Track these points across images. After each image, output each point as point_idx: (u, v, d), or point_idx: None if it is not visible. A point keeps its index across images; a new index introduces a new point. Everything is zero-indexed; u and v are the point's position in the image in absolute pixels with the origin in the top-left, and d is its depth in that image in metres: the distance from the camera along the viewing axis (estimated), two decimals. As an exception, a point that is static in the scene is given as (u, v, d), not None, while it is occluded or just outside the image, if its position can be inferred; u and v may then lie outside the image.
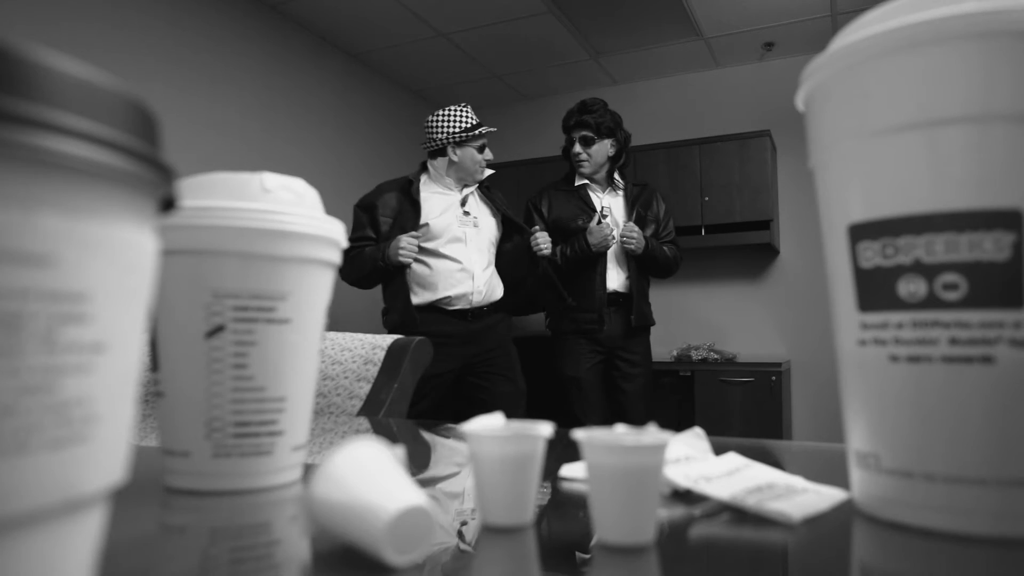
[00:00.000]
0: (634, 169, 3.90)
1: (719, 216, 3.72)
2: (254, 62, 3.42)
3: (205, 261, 0.46)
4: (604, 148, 2.44)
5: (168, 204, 0.23)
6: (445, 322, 2.20)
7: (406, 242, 2.13)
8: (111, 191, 0.19)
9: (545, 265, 2.33)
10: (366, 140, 4.13)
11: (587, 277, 2.39)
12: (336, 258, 0.52)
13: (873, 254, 0.38)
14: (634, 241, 2.37)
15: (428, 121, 2.33)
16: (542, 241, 2.28)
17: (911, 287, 0.37)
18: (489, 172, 2.37)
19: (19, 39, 0.16)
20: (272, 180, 0.49)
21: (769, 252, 3.91)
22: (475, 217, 2.32)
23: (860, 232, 0.39)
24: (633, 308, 2.43)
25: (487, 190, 2.41)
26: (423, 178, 2.33)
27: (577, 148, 2.44)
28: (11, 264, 0.16)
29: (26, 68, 0.16)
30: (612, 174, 2.50)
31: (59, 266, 0.17)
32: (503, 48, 3.95)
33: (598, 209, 2.43)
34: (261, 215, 0.46)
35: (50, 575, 0.18)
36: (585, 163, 2.44)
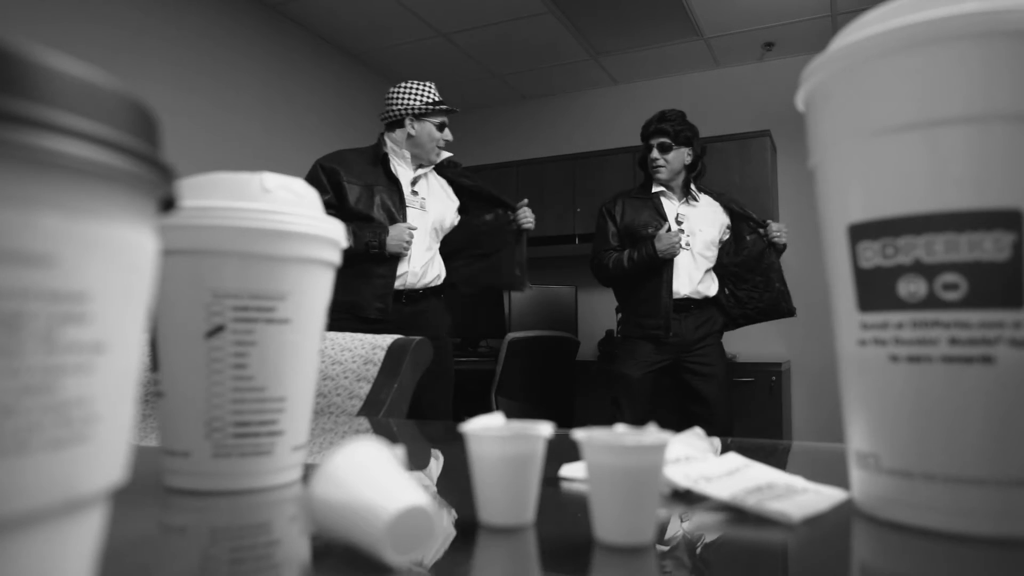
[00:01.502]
0: (634, 169, 3.90)
1: (719, 216, 3.72)
2: (254, 62, 3.42)
3: (205, 261, 0.46)
4: (681, 156, 2.50)
5: (168, 204, 0.23)
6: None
7: (410, 236, 2.11)
8: (111, 191, 0.19)
9: (524, 240, 2.34)
10: (366, 140, 4.12)
11: (654, 284, 2.44)
12: (336, 258, 0.52)
13: (873, 254, 0.38)
14: (784, 235, 2.47)
15: (391, 92, 2.29)
16: (523, 216, 2.31)
17: (911, 287, 0.37)
18: (446, 155, 2.33)
19: (19, 39, 0.16)
20: (272, 180, 0.49)
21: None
22: (423, 199, 2.28)
23: (860, 232, 0.39)
24: (773, 304, 2.50)
25: (449, 169, 2.36)
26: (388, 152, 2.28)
27: (655, 154, 2.49)
28: (11, 264, 0.16)
29: (26, 68, 0.16)
30: (688, 184, 2.55)
31: (59, 266, 0.17)
32: (503, 48, 3.95)
33: (671, 218, 2.49)
34: (261, 215, 0.46)
35: (50, 575, 0.18)
36: (662, 169, 2.48)
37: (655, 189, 2.54)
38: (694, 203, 2.56)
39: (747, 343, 3.92)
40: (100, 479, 0.19)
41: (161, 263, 0.45)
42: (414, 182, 2.28)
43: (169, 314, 0.47)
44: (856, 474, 0.41)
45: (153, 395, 0.50)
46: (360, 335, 1.25)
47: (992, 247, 0.34)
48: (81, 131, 0.17)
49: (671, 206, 2.53)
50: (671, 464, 0.47)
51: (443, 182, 2.38)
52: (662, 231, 2.40)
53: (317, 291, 0.50)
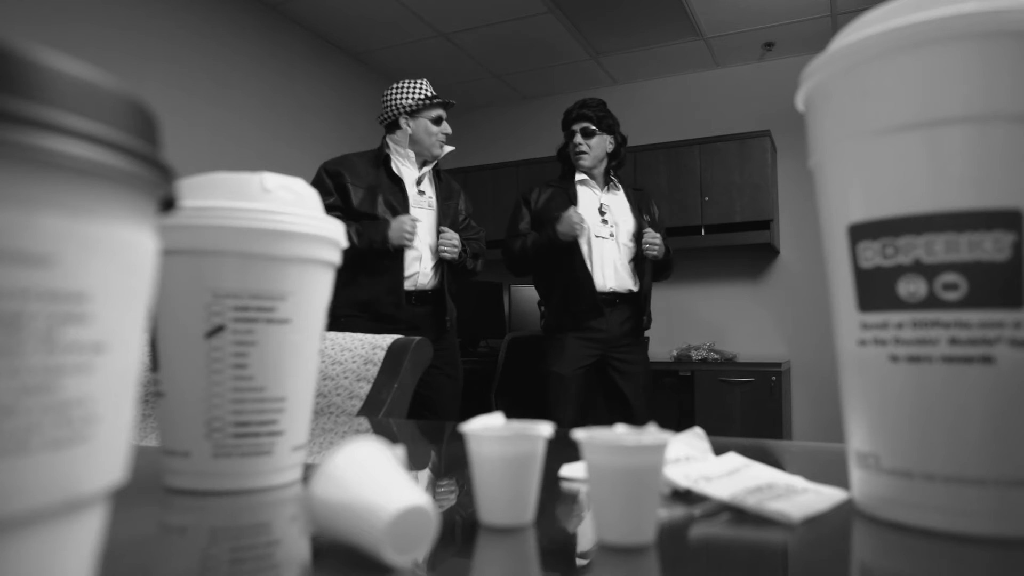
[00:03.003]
0: (634, 169, 3.90)
1: (719, 216, 3.72)
2: (254, 62, 3.42)
3: (205, 261, 0.46)
4: (603, 143, 2.45)
5: (168, 204, 0.23)
6: (385, 304, 2.15)
7: (412, 225, 2.10)
8: (111, 191, 0.19)
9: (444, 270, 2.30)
10: (366, 140, 4.13)
11: (570, 269, 2.35)
12: (336, 258, 0.52)
13: (873, 254, 0.38)
14: (657, 247, 2.39)
15: (384, 94, 2.30)
16: (440, 243, 2.23)
17: (911, 287, 0.37)
18: (449, 149, 2.31)
19: (19, 39, 0.16)
20: (272, 180, 0.49)
21: (769, 252, 3.91)
22: (430, 197, 2.28)
23: (860, 232, 0.39)
24: (644, 310, 2.44)
25: (439, 179, 2.36)
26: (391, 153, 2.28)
27: (578, 139, 2.43)
28: (11, 264, 0.16)
29: (26, 68, 0.16)
30: (609, 173, 2.49)
31: (59, 266, 0.17)
32: (503, 48, 3.95)
33: (594, 208, 2.42)
34: (261, 215, 0.46)
35: (50, 575, 0.18)
36: (585, 155, 2.42)
37: (578, 178, 2.47)
38: (616, 192, 2.50)
39: (747, 343, 3.92)
40: (100, 479, 0.19)
41: (161, 263, 0.45)
42: (419, 181, 2.28)
43: (169, 314, 0.47)
44: (856, 474, 0.41)
45: (153, 395, 0.50)
46: (360, 335, 1.25)
47: (992, 247, 0.34)
48: (81, 131, 0.17)
49: (593, 196, 2.46)
50: (671, 464, 0.47)
51: (447, 183, 2.38)
52: (565, 212, 2.31)
53: (317, 291, 0.50)
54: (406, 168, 2.28)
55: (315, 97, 3.77)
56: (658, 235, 2.41)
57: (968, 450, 0.35)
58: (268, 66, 3.49)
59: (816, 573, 0.34)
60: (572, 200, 2.41)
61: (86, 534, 0.20)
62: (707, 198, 3.75)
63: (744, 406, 3.42)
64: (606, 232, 2.41)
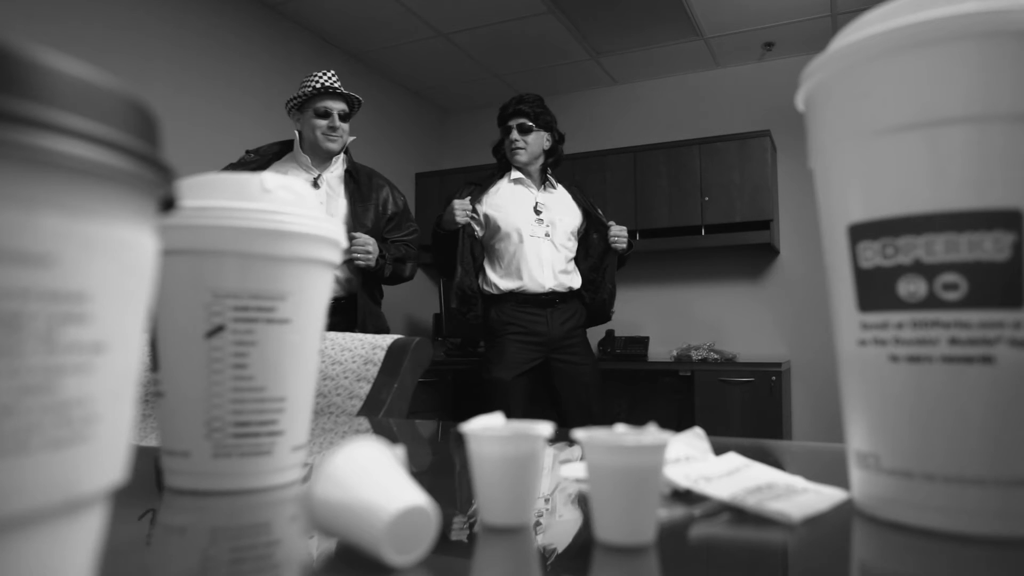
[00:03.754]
0: (634, 169, 3.91)
1: (719, 216, 3.72)
2: (254, 62, 3.42)
3: (205, 261, 0.46)
4: (540, 139, 2.41)
5: (168, 204, 0.23)
6: None
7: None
8: (111, 191, 0.19)
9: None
10: (366, 140, 4.13)
11: (500, 275, 2.33)
12: (336, 258, 0.52)
13: (873, 254, 0.38)
14: (624, 239, 2.37)
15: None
16: (358, 250, 2.10)
17: (911, 287, 0.37)
18: (346, 140, 2.13)
19: (19, 39, 0.16)
20: (272, 180, 0.49)
21: (769, 252, 3.91)
22: (321, 204, 2.17)
23: (860, 232, 0.39)
24: (600, 306, 2.41)
25: (353, 178, 2.18)
26: (275, 164, 2.13)
27: (514, 135, 2.38)
28: (11, 264, 0.16)
29: (26, 68, 0.16)
30: (546, 171, 2.45)
31: (59, 266, 0.17)
32: (503, 48, 3.95)
33: (529, 208, 2.38)
34: (261, 215, 0.46)
35: (50, 575, 0.18)
36: (521, 151, 2.37)
37: (513, 176, 2.43)
38: (552, 190, 2.46)
39: (747, 343, 3.92)
40: (100, 479, 0.19)
41: (161, 263, 0.45)
42: (316, 184, 2.12)
43: (169, 314, 0.47)
44: (856, 474, 0.41)
45: (153, 395, 0.50)
46: (360, 335, 1.25)
47: (992, 247, 0.34)
48: (81, 131, 0.17)
49: (528, 194, 2.42)
50: (671, 464, 0.47)
51: (367, 183, 2.20)
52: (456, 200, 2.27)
53: (317, 291, 0.50)
54: (303, 173, 2.10)
55: (315, 97, 3.76)
56: (623, 228, 2.40)
57: (968, 450, 0.35)
58: (268, 66, 3.49)
59: (816, 573, 0.34)
60: (485, 191, 2.38)
61: (86, 534, 0.20)
62: (707, 198, 3.75)
63: (744, 406, 3.41)
64: (541, 232, 2.36)
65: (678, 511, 0.42)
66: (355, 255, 2.06)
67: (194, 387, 0.46)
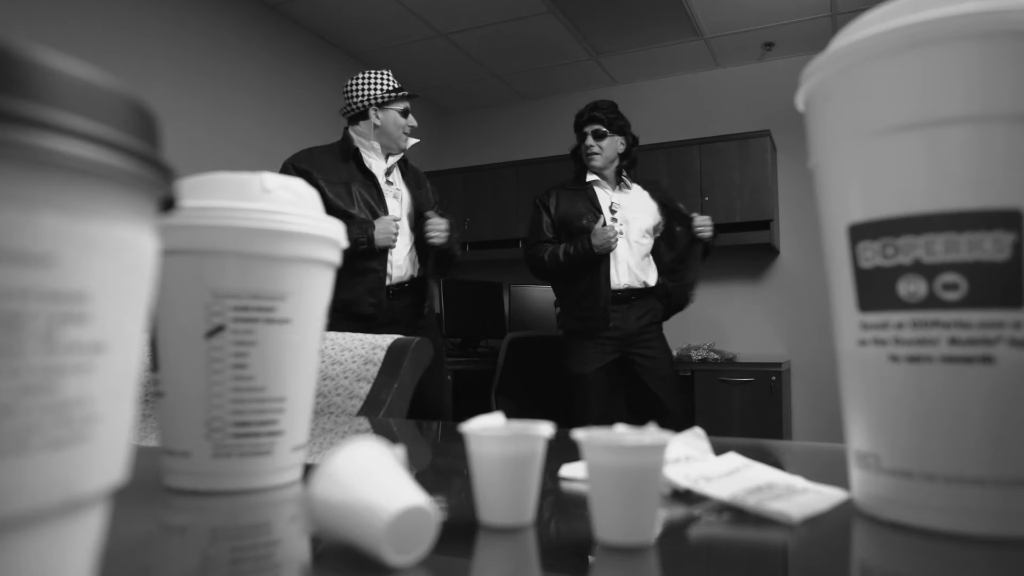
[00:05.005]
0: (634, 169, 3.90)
1: (719, 216, 3.70)
2: (254, 62, 3.42)
3: (205, 261, 0.46)
4: (615, 144, 2.50)
5: (168, 204, 0.23)
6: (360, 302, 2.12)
7: (396, 227, 2.08)
8: (111, 191, 0.19)
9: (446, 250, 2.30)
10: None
11: (593, 276, 2.41)
12: (336, 258, 0.52)
13: (873, 254, 0.38)
14: (709, 228, 2.46)
15: (347, 85, 2.25)
16: (434, 230, 2.20)
17: (911, 287, 0.37)
18: (413, 141, 2.29)
19: (19, 39, 0.16)
20: (272, 180, 0.49)
21: (769, 252, 3.91)
22: (398, 189, 2.25)
23: (860, 232, 0.39)
24: (682, 291, 2.50)
25: (406, 168, 2.33)
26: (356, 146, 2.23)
27: (589, 141, 2.48)
28: (11, 264, 0.16)
29: (26, 68, 0.16)
30: (620, 172, 2.54)
31: (59, 266, 0.17)
32: (503, 48, 3.95)
33: (605, 208, 2.46)
34: (261, 215, 0.46)
35: (50, 575, 0.18)
36: (597, 156, 2.47)
37: (589, 179, 2.51)
38: (627, 191, 2.54)
39: (747, 343, 3.92)
40: (100, 479, 0.19)
41: (161, 263, 0.45)
42: (388, 172, 2.25)
43: (169, 314, 0.47)
44: (856, 474, 0.41)
45: (153, 395, 0.50)
46: (360, 335, 1.25)
47: (992, 247, 0.34)
48: (81, 131, 0.17)
49: (604, 195, 2.50)
50: (671, 464, 0.47)
51: (415, 172, 2.35)
52: (597, 225, 2.37)
53: (317, 291, 0.50)
54: (375, 161, 2.24)
55: (315, 97, 3.77)
56: (707, 217, 2.49)
57: (968, 450, 0.35)
58: (268, 66, 3.49)
59: (816, 573, 0.34)
60: (594, 203, 2.47)
61: (86, 534, 0.20)
62: (707, 198, 3.74)
63: (744, 406, 3.41)
64: (617, 230, 2.44)
65: (678, 511, 0.42)
66: (432, 234, 2.18)
67: (194, 387, 0.46)
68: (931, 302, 0.36)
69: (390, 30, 3.73)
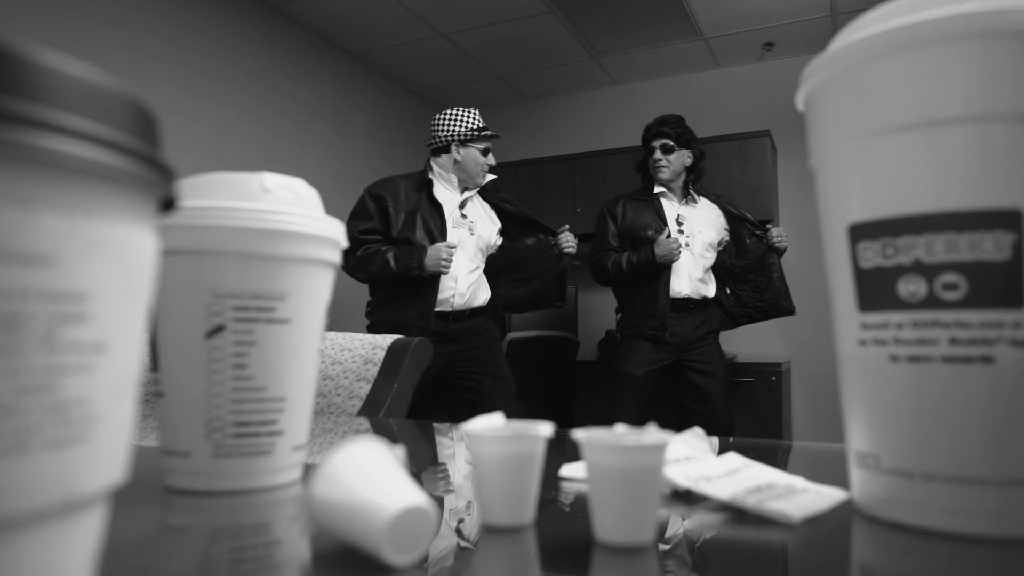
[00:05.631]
0: (634, 169, 3.90)
1: (719, 216, 3.72)
2: (254, 62, 3.42)
3: (205, 261, 0.46)
4: (682, 157, 2.58)
5: (168, 204, 0.23)
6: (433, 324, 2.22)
7: (447, 253, 2.15)
8: (111, 191, 0.19)
9: (566, 263, 2.44)
10: (366, 140, 4.13)
11: (653, 286, 2.49)
12: (336, 258, 0.52)
13: (873, 254, 0.38)
14: (786, 239, 2.55)
15: (436, 119, 2.37)
16: (565, 240, 2.40)
17: (911, 287, 0.37)
18: (491, 177, 2.41)
19: (19, 39, 0.16)
20: (272, 180, 0.49)
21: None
22: (471, 222, 2.34)
23: (860, 232, 0.39)
24: (773, 303, 2.58)
25: (493, 193, 2.45)
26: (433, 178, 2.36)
27: (658, 155, 2.56)
28: (11, 264, 0.16)
29: (26, 68, 0.16)
30: (687, 186, 2.62)
31: (59, 266, 0.17)
32: (503, 48, 3.95)
33: (671, 220, 2.53)
34: (261, 215, 0.46)
35: (50, 575, 0.18)
36: (665, 169, 2.54)
37: (657, 190, 2.59)
38: (693, 204, 2.62)
39: (747, 343, 3.92)
40: (100, 479, 0.19)
41: (161, 263, 0.45)
42: (462, 205, 2.35)
43: (169, 314, 0.47)
44: (856, 474, 0.41)
45: (153, 395, 0.50)
46: (360, 335, 1.25)
47: (992, 247, 0.34)
48: (81, 131, 0.17)
49: (671, 207, 2.58)
50: (671, 464, 0.47)
51: (487, 205, 2.45)
52: (661, 237, 2.45)
53: (317, 291, 0.50)
54: (448, 192, 2.34)
55: (315, 97, 3.77)
56: (781, 228, 2.59)
57: (968, 450, 0.35)
58: (268, 66, 3.49)
59: (816, 573, 0.34)
60: (660, 214, 2.55)
61: (86, 534, 0.20)
62: (707, 198, 3.74)
63: (744, 406, 3.41)
64: (682, 241, 2.51)
65: (678, 511, 0.42)
66: (567, 245, 2.40)
67: (194, 387, 0.46)
68: (931, 302, 0.36)
69: (390, 30, 3.73)
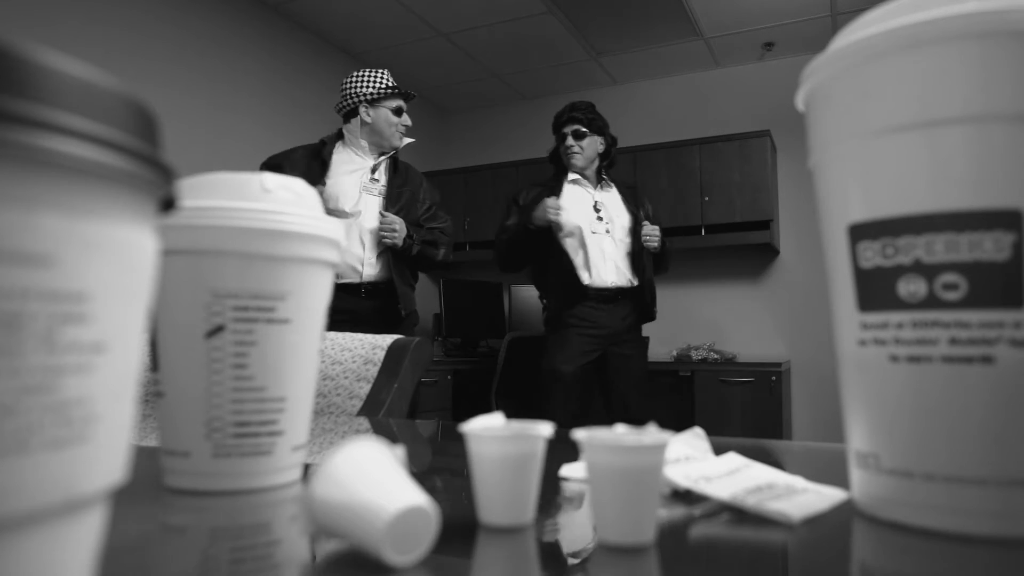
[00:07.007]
0: (634, 169, 3.90)
1: (719, 216, 3.72)
2: (254, 62, 3.42)
3: (205, 261, 0.46)
4: (595, 144, 2.51)
5: (168, 204, 0.23)
6: (337, 298, 2.12)
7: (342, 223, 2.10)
8: (111, 191, 0.19)
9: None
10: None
11: (567, 271, 2.40)
12: (336, 258, 0.52)
13: (873, 254, 0.38)
14: (656, 239, 2.45)
15: (342, 84, 2.28)
16: (386, 229, 2.19)
17: (911, 287, 0.37)
18: (408, 140, 2.31)
19: (19, 39, 0.16)
20: (272, 180, 0.49)
21: (769, 252, 3.91)
22: (382, 185, 2.25)
23: (860, 232, 0.39)
24: (648, 304, 2.49)
25: (396, 168, 2.32)
26: (338, 144, 2.27)
27: (570, 140, 2.49)
28: (11, 264, 0.16)
29: (26, 68, 0.16)
30: (601, 172, 2.56)
31: (59, 266, 0.17)
32: (503, 48, 3.95)
33: (588, 207, 2.47)
34: (261, 215, 0.46)
35: (50, 575, 0.18)
36: (577, 155, 2.48)
37: (570, 178, 2.52)
38: (608, 189, 2.55)
39: (747, 343, 3.92)
40: (100, 479, 0.19)
41: (161, 263, 0.45)
42: (374, 169, 2.26)
43: (169, 314, 0.47)
44: (856, 474, 0.41)
45: (153, 395, 0.50)
46: (360, 335, 1.25)
47: (992, 247, 0.34)
48: (81, 131, 0.17)
49: (587, 194, 2.51)
50: (671, 464, 0.47)
51: (406, 173, 2.34)
52: (543, 200, 2.35)
53: (317, 291, 0.50)
54: (352, 155, 2.25)
55: (315, 97, 3.77)
56: (656, 227, 2.47)
57: (968, 450, 0.35)
58: (268, 66, 3.49)
59: (816, 573, 0.34)
60: (556, 195, 2.45)
61: (86, 534, 0.20)
62: (707, 198, 3.75)
63: (744, 406, 3.41)
64: (602, 228, 2.45)
65: (678, 511, 0.42)
66: (383, 233, 2.16)
67: (194, 387, 0.46)
68: (931, 302, 0.36)
69: (390, 30, 3.73)
